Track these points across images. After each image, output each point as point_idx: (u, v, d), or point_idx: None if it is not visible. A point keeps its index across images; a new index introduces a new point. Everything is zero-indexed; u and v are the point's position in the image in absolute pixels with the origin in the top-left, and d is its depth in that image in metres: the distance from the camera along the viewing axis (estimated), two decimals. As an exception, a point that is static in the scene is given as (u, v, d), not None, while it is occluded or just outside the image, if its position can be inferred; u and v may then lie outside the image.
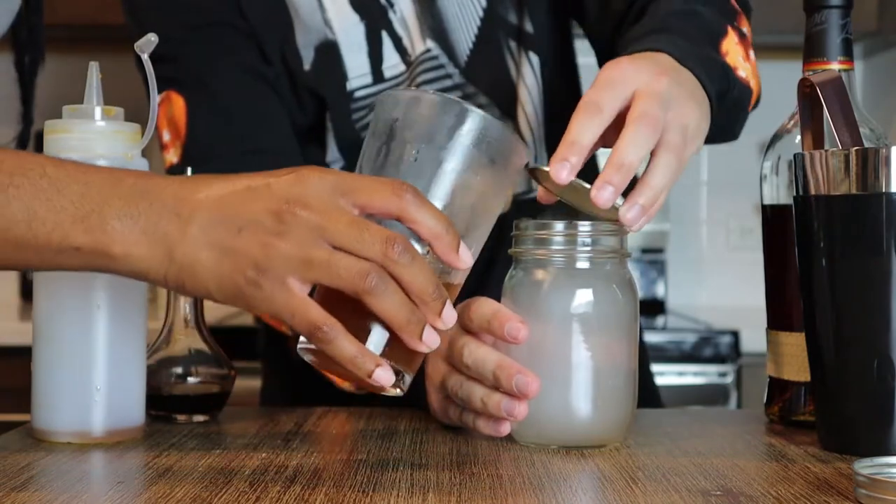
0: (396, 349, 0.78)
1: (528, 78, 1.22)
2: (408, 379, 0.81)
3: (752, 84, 1.07)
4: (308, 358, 0.79)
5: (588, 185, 0.87)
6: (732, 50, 1.05)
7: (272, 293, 0.74)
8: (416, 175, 0.79)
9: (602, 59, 1.24)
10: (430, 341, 0.77)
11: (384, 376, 0.76)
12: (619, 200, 0.87)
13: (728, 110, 1.00)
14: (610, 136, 0.89)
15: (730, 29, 1.06)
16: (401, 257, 0.74)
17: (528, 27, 1.23)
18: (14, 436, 0.92)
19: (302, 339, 0.79)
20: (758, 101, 1.12)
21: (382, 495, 0.73)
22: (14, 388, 1.40)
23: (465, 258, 0.78)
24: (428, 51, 1.20)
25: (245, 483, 0.76)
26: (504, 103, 1.21)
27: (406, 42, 1.20)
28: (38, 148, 0.91)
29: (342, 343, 0.75)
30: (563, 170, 0.86)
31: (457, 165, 0.80)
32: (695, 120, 0.93)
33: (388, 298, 0.75)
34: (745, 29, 1.11)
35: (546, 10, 1.24)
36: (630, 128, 0.88)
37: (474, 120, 0.80)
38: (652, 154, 0.89)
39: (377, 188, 0.75)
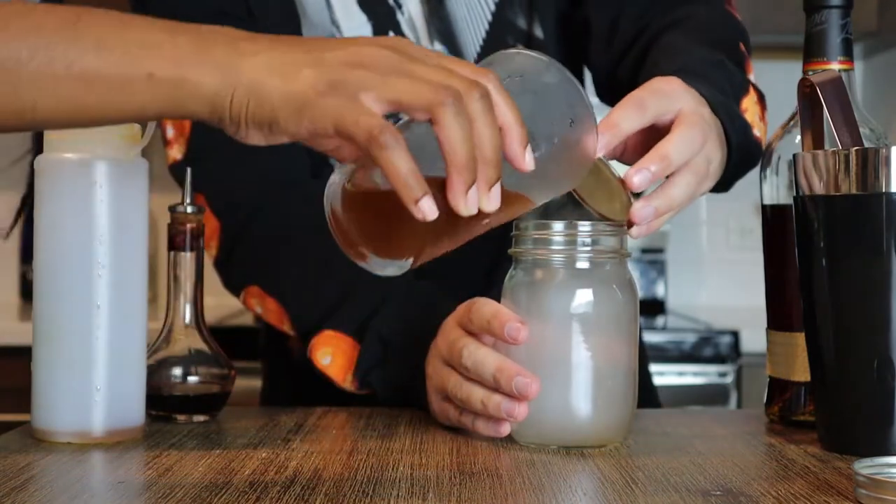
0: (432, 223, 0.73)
1: None
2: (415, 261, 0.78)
3: (763, 145, 1.09)
4: (339, 188, 0.76)
5: (614, 173, 0.88)
6: (751, 108, 1.07)
7: (341, 102, 0.71)
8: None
9: (599, 86, 1.24)
10: (471, 205, 0.72)
11: (429, 206, 0.71)
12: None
13: (736, 165, 1.01)
14: (629, 154, 0.90)
15: (751, 88, 1.08)
16: (482, 99, 0.71)
17: (538, 33, 1.23)
18: (14, 436, 0.92)
19: (338, 174, 0.77)
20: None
21: (382, 495, 0.73)
22: (14, 388, 1.41)
23: (529, 161, 0.74)
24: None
25: (245, 483, 0.76)
26: None
27: (411, 37, 1.20)
28: (38, 148, 0.91)
29: (402, 153, 0.70)
30: (601, 140, 0.86)
31: (545, 109, 0.80)
32: (718, 160, 0.96)
33: (459, 126, 0.70)
34: (752, 76, 1.13)
35: (555, 17, 1.24)
36: (682, 128, 0.90)
37: (563, 82, 0.81)
38: (675, 172, 0.90)
39: (466, 62, 0.73)
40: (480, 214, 0.73)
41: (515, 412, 0.87)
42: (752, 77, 1.13)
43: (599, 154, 0.87)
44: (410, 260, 0.77)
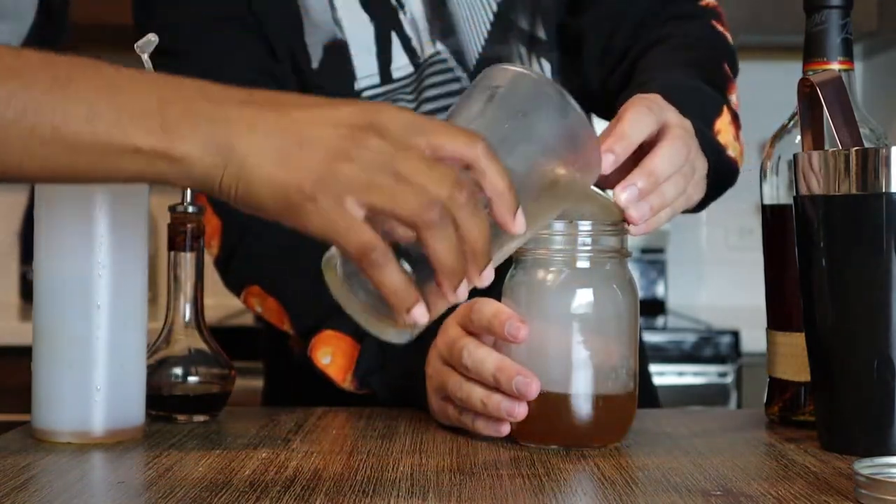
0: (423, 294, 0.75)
1: None
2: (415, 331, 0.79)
3: (739, 164, 1.10)
4: (333, 279, 0.77)
5: (603, 193, 0.88)
6: (724, 129, 1.08)
7: (327, 209, 0.71)
8: (500, 141, 0.77)
9: (589, 96, 1.24)
10: (462, 294, 0.74)
11: (420, 314, 0.73)
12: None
13: (711, 186, 1.01)
14: (612, 177, 0.90)
15: (725, 108, 1.09)
16: (467, 202, 0.72)
17: (541, 34, 1.23)
18: (14, 436, 0.92)
19: (331, 254, 0.77)
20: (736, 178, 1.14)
21: (382, 495, 0.73)
22: (14, 388, 1.41)
23: (520, 223, 0.75)
24: (437, 53, 1.20)
25: (245, 483, 0.76)
26: None
27: (415, 43, 1.20)
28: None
29: (391, 269, 0.72)
30: (607, 159, 0.86)
31: (540, 149, 0.79)
32: (702, 169, 0.97)
33: (445, 239, 0.72)
34: (734, 97, 1.14)
35: (558, 19, 1.24)
36: (667, 143, 0.90)
37: (573, 117, 0.79)
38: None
39: (453, 133, 0.73)
40: None
41: (515, 411, 0.87)
42: (733, 97, 1.14)
43: (611, 170, 0.86)
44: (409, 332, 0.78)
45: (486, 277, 0.75)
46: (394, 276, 0.72)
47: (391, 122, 0.72)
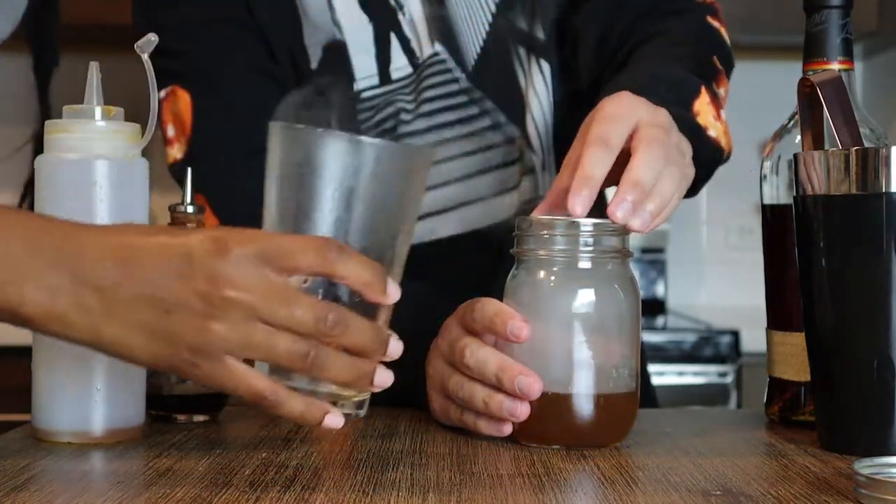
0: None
1: (539, 85, 1.22)
2: (367, 401, 0.83)
3: (723, 143, 1.10)
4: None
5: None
6: (704, 110, 1.08)
7: (211, 371, 0.75)
8: (333, 221, 0.79)
9: (586, 93, 1.24)
10: (382, 381, 0.79)
11: (334, 421, 0.78)
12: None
13: (695, 167, 1.01)
14: (614, 172, 0.90)
15: (703, 89, 1.09)
16: (334, 328, 0.75)
17: (540, 34, 1.23)
18: (14, 436, 0.92)
19: None
20: (727, 158, 1.14)
21: (382, 495, 0.73)
22: (14, 388, 1.40)
23: (393, 294, 0.79)
24: (436, 54, 1.20)
25: (245, 483, 0.76)
26: (511, 109, 1.21)
27: (414, 44, 1.20)
28: (38, 148, 0.91)
29: (288, 405, 0.77)
30: (578, 204, 0.87)
31: (370, 199, 0.80)
32: (690, 151, 0.97)
33: (331, 367, 0.76)
34: (723, 90, 1.14)
35: (556, 18, 1.24)
36: (641, 149, 0.90)
37: (371, 151, 0.79)
38: None
39: (301, 250, 0.75)
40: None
41: (517, 411, 0.87)
42: (721, 90, 1.14)
43: (584, 214, 0.87)
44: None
45: (394, 352, 0.79)
46: (293, 408, 0.77)
47: (240, 266, 0.74)
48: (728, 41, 1.21)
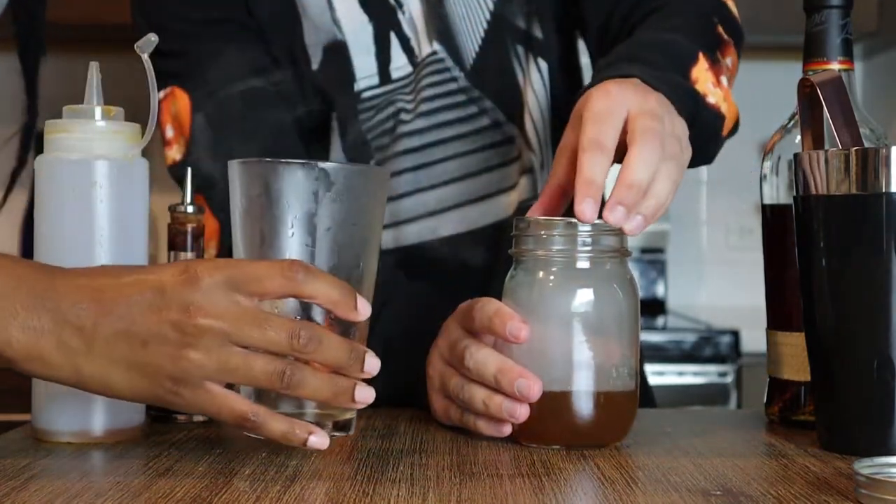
0: None
1: (537, 84, 1.22)
2: (354, 418, 0.86)
3: (724, 109, 1.09)
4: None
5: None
6: (702, 77, 1.07)
7: (193, 397, 0.77)
8: (298, 246, 0.82)
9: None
10: (363, 397, 0.80)
11: (318, 441, 0.80)
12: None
13: (697, 136, 1.01)
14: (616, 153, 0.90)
15: (701, 55, 1.08)
16: (308, 345, 0.77)
17: (537, 33, 1.23)
18: (14, 436, 0.92)
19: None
20: (736, 127, 1.14)
21: (382, 495, 0.73)
22: (14, 388, 1.40)
23: (364, 311, 0.80)
24: (434, 53, 1.20)
25: (245, 483, 0.76)
26: (510, 108, 1.21)
27: (413, 43, 1.20)
28: (38, 149, 0.91)
29: (271, 426, 0.79)
30: (587, 210, 0.87)
31: (331, 221, 0.82)
32: (685, 130, 0.96)
33: (309, 385, 0.78)
34: (729, 59, 1.13)
35: (554, 16, 1.24)
36: (635, 146, 0.89)
37: (326, 175, 0.82)
38: None
39: (267, 274, 0.77)
40: None
41: (517, 413, 0.87)
42: (728, 59, 1.12)
43: (594, 218, 0.87)
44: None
45: (372, 368, 0.81)
46: (275, 428, 0.79)
47: (210, 293, 0.76)
48: (736, 14, 1.19)
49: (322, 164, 0.81)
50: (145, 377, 0.77)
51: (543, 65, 1.23)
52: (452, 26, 1.21)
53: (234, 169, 0.84)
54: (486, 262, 1.18)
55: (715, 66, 1.09)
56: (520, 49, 1.22)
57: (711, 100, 1.06)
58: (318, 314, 0.81)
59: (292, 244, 0.81)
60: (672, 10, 1.16)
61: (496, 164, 1.21)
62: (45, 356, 0.77)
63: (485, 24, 1.21)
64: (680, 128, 0.95)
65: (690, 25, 1.12)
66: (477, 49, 1.21)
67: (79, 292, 0.77)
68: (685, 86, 1.03)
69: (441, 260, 1.18)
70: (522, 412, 0.87)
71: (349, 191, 0.82)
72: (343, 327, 0.81)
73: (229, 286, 0.76)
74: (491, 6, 1.21)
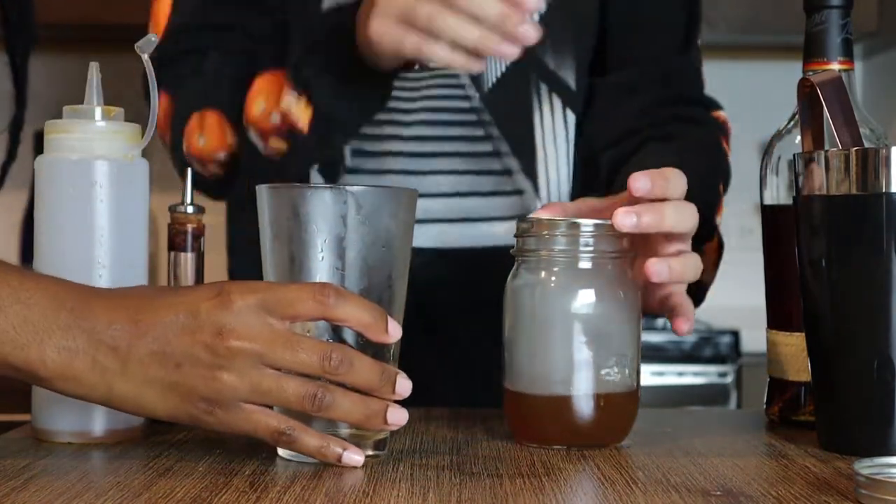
0: None
1: (559, 131, 1.20)
2: (387, 438, 0.85)
3: (706, 291, 1.11)
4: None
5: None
6: (709, 255, 1.08)
7: (227, 417, 0.78)
8: (328, 270, 0.82)
9: (582, 145, 1.24)
10: (396, 419, 0.81)
11: (352, 458, 0.80)
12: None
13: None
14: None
15: (715, 236, 1.10)
16: (339, 367, 0.78)
17: (569, 80, 1.21)
18: (14, 436, 0.92)
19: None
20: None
21: (382, 495, 0.73)
22: (14, 388, 1.40)
23: (395, 333, 0.81)
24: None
25: (245, 483, 0.76)
26: (518, 143, 1.20)
27: None
28: (38, 148, 0.91)
29: (305, 440, 0.80)
30: (644, 182, 0.87)
31: (360, 243, 0.82)
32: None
33: (340, 406, 0.79)
34: (719, 218, 1.14)
35: (579, 65, 1.22)
36: (678, 202, 0.90)
37: (354, 197, 0.82)
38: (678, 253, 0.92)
39: (299, 297, 0.78)
40: None
41: (529, 34, 0.87)
42: (719, 217, 1.14)
43: (644, 191, 0.87)
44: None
45: (403, 391, 0.81)
46: (310, 443, 0.80)
47: (243, 316, 0.77)
48: (730, 168, 1.21)
49: (350, 188, 0.82)
50: (179, 398, 0.78)
51: (571, 116, 1.22)
52: None
53: (263, 194, 0.84)
54: (458, 281, 1.17)
55: (719, 249, 1.11)
56: (543, 86, 1.21)
57: (706, 278, 1.07)
58: (349, 335, 0.81)
59: (322, 268, 0.82)
60: (688, 147, 1.15)
61: (486, 192, 1.20)
62: (79, 376, 0.77)
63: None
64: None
65: (700, 177, 1.09)
66: (498, 76, 1.20)
67: (114, 313, 0.78)
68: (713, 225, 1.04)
69: (415, 269, 1.18)
70: (532, 34, 0.87)
71: (378, 213, 0.83)
72: (375, 348, 0.82)
73: (262, 309, 0.77)
74: None
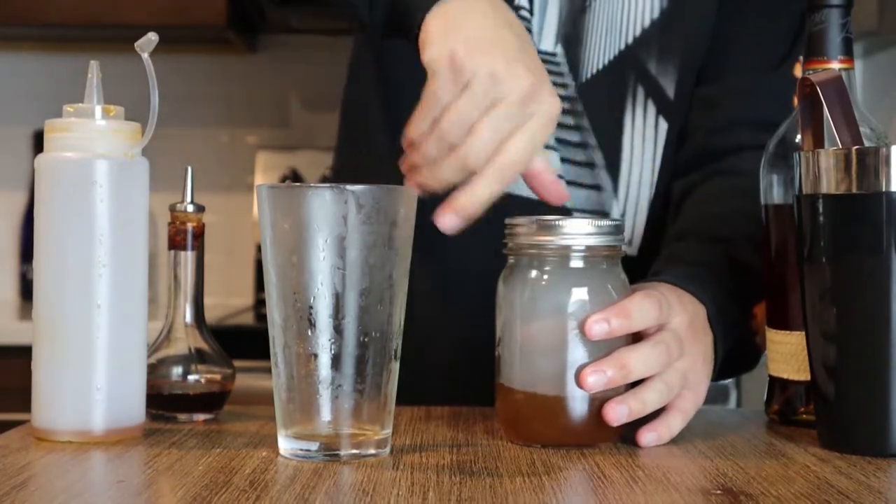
0: None
1: (648, 139, 1.19)
2: (389, 439, 0.86)
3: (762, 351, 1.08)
4: None
5: None
6: (760, 315, 1.05)
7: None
8: (330, 269, 0.82)
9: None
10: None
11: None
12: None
13: (722, 372, 1.02)
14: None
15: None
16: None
17: (668, 90, 1.19)
18: (14, 435, 0.92)
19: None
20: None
21: (382, 495, 0.73)
22: (14, 388, 1.41)
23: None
24: (553, 54, 1.18)
25: (245, 483, 0.76)
26: (605, 139, 1.19)
27: (535, 37, 1.17)
28: (38, 148, 0.91)
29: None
30: (601, 327, 0.86)
31: (361, 243, 0.83)
32: (697, 376, 0.94)
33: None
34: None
35: (684, 76, 1.21)
36: (649, 344, 0.89)
37: (354, 197, 0.82)
38: (647, 379, 0.90)
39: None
40: None
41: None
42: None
43: (599, 336, 0.87)
44: None
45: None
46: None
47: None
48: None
49: (350, 187, 0.82)
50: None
51: (663, 125, 1.19)
52: (583, 35, 1.18)
53: (263, 194, 0.85)
54: (483, 259, 1.17)
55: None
56: (640, 89, 1.19)
57: (759, 339, 1.06)
58: (349, 331, 0.81)
59: (323, 267, 0.82)
60: (739, 192, 1.12)
61: (568, 180, 1.16)
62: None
63: (616, 51, 1.18)
64: (694, 371, 0.93)
65: (752, 214, 1.07)
66: (597, 69, 1.18)
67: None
68: (737, 325, 1.02)
69: (438, 261, 1.16)
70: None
71: (378, 212, 0.83)
72: (375, 348, 0.83)
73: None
74: (629, 39, 1.18)
